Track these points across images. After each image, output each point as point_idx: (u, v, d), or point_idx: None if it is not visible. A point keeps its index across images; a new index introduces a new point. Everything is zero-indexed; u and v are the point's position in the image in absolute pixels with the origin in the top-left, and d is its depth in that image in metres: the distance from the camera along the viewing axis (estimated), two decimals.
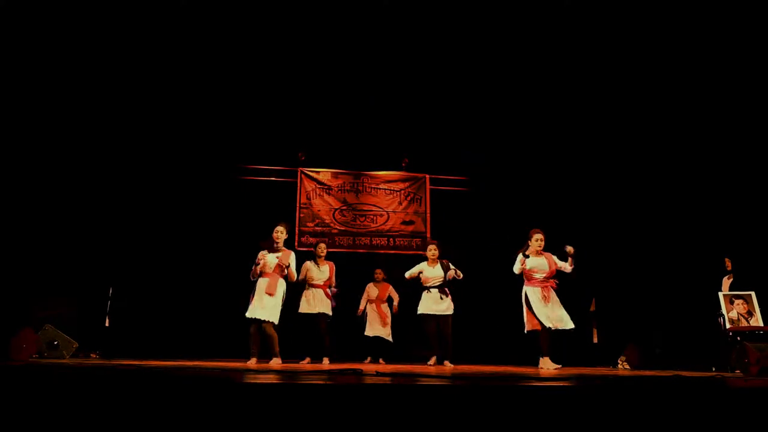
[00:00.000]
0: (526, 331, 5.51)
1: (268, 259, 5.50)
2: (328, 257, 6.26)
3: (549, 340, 5.39)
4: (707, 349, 6.06)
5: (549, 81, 7.52)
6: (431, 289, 6.02)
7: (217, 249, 7.61)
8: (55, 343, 5.44)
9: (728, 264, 6.72)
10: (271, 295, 5.33)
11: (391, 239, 8.27)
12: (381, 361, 6.80)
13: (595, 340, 5.88)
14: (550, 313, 5.39)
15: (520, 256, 5.60)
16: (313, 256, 6.15)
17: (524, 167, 8.35)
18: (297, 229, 8.03)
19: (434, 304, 5.97)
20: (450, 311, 6.01)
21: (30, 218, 6.75)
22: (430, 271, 6.07)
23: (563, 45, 6.97)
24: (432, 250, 6.13)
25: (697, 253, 7.09)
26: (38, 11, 6.08)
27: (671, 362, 6.21)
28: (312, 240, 7.80)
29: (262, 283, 5.44)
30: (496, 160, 8.38)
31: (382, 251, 8.17)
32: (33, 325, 5.31)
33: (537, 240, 5.59)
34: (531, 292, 5.51)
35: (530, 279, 5.57)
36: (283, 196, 8.10)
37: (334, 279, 6.13)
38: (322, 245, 6.22)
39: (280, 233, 5.57)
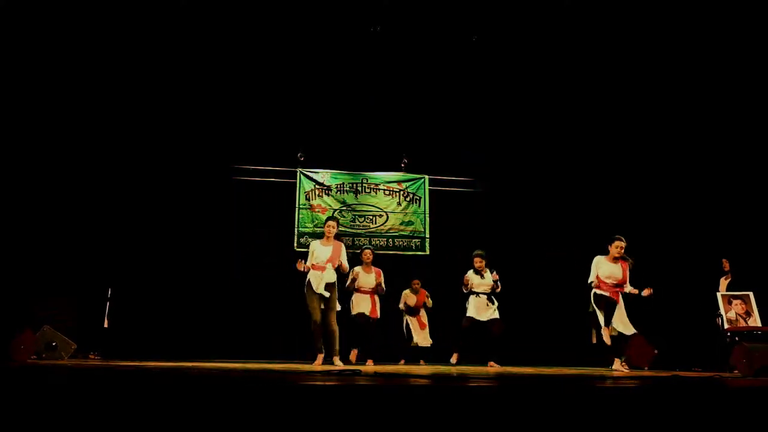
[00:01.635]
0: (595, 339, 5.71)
1: (321, 252, 5.46)
2: None
3: (620, 342, 5.56)
4: (706, 349, 6.08)
5: (547, 81, 7.54)
6: (480, 295, 6.26)
7: (216, 249, 7.60)
8: (54, 344, 5.42)
9: (726, 265, 6.74)
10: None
11: (390, 240, 8.26)
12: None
13: (594, 341, 5.91)
14: (620, 317, 5.51)
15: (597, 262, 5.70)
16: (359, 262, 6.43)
17: (523, 167, 8.35)
18: (296, 230, 8.02)
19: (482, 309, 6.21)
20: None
21: (28, 220, 6.74)
22: (478, 279, 6.31)
23: (561, 44, 6.98)
24: (478, 262, 6.33)
25: (695, 254, 7.10)
26: (33, 11, 6.08)
27: (670, 362, 6.23)
28: (311, 241, 7.79)
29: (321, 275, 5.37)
30: (496, 160, 8.38)
31: (381, 252, 8.16)
32: (31, 326, 5.29)
33: (617, 247, 5.64)
34: (599, 296, 5.58)
35: (601, 285, 5.61)
36: (282, 196, 8.09)
37: (383, 284, 6.42)
38: (368, 252, 6.50)
39: (333, 228, 5.54)
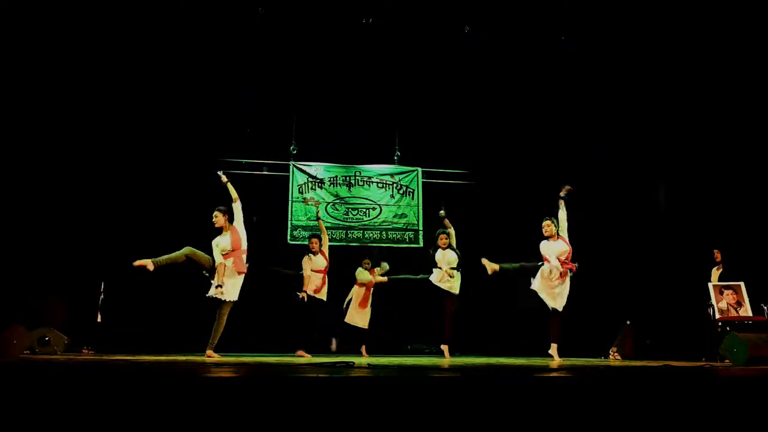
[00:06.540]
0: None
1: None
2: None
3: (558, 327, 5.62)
4: (697, 339, 6.13)
5: (541, 72, 7.54)
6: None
7: (208, 243, 7.57)
8: (47, 338, 5.41)
9: (717, 255, 6.78)
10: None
11: (383, 232, 8.26)
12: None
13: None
14: (554, 291, 5.58)
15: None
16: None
17: (517, 159, 8.36)
18: (289, 223, 8.01)
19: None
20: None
21: (20, 214, 6.69)
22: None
23: (550, 37, 6.99)
24: (443, 239, 6.59)
25: (686, 245, 7.15)
26: (22, 8, 6.01)
27: (661, 352, 6.28)
28: (304, 234, 7.80)
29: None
30: (490, 152, 8.39)
31: (374, 244, 8.15)
32: (24, 321, 5.27)
33: (543, 227, 5.91)
34: (545, 268, 5.70)
35: (547, 260, 5.74)
36: (275, 190, 8.07)
37: None
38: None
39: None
